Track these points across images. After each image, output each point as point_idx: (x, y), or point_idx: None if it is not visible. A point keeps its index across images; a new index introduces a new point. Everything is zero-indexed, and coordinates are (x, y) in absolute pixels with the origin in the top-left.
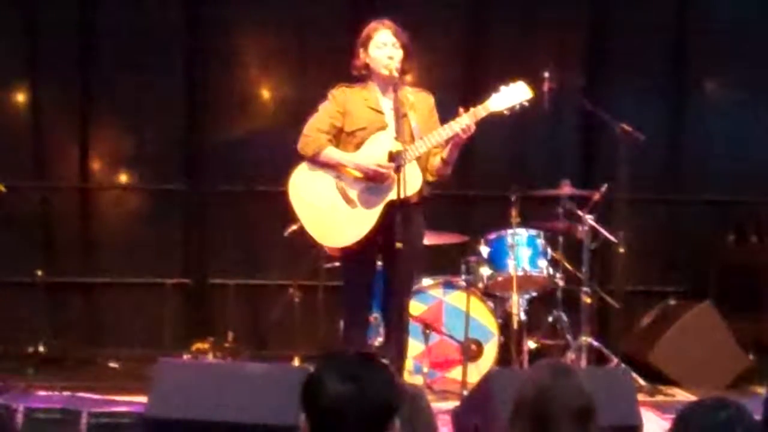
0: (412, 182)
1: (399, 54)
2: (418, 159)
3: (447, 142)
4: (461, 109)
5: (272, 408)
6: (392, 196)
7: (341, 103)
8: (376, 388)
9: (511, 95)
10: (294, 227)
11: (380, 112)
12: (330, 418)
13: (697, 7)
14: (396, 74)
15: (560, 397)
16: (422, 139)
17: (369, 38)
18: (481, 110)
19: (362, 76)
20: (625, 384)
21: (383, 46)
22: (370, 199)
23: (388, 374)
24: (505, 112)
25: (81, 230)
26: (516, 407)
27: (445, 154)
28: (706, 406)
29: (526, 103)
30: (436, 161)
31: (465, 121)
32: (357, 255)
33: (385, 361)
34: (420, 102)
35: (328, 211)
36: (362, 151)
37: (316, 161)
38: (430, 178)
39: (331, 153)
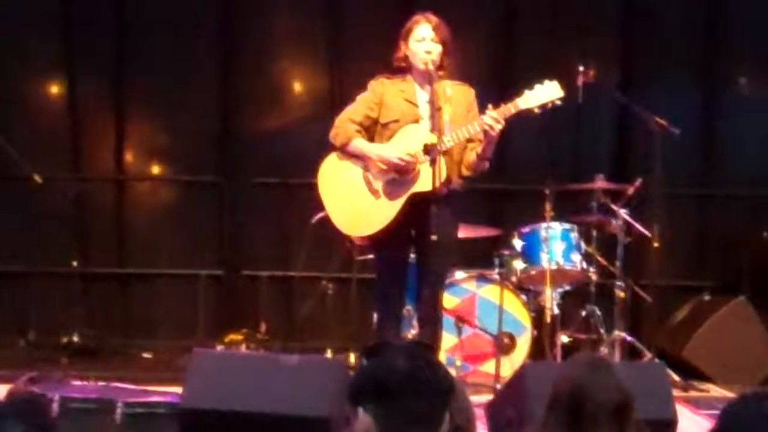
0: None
1: (437, 49)
2: (449, 153)
3: (474, 137)
4: (490, 106)
5: (306, 399)
6: (416, 188)
7: (379, 94)
8: (439, 365)
9: (543, 94)
10: (321, 214)
11: (415, 105)
12: (404, 397)
13: (731, 1)
14: (432, 68)
15: (597, 392)
16: (450, 134)
17: (409, 31)
18: (511, 108)
19: (402, 68)
20: (660, 378)
21: (422, 39)
22: (394, 191)
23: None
24: (536, 110)
25: (116, 222)
26: (552, 402)
27: (479, 149)
28: (749, 399)
29: (559, 102)
30: (471, 156)
31: (493, 117)
32: (389, 248)
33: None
34: (458, 95)
35: (352, 201)
36: (393, 142)
37: (345, 151)
38: (465, 173)
39: (358, 144)
